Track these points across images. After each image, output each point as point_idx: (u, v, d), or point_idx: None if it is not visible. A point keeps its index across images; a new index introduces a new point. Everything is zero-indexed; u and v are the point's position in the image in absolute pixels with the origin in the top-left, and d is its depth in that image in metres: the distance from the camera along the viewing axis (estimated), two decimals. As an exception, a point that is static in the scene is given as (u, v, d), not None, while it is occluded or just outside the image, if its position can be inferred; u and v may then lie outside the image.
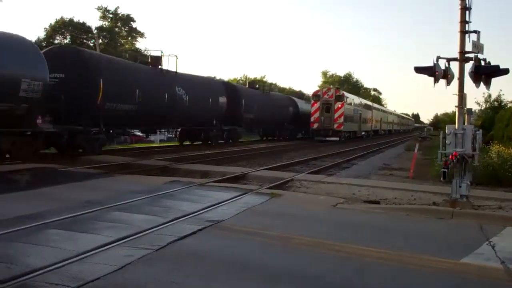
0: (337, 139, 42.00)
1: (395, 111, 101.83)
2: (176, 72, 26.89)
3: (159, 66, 26.10)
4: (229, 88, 34.83)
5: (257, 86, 42.59)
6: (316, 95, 43.70)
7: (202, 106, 28.72)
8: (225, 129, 33.30)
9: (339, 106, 42.50)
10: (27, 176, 13.32)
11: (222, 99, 31.71)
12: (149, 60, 26.41)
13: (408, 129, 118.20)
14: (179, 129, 31.35)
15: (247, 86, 42.06)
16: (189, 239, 7.03)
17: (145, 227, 7.43)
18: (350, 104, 47.09)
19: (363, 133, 53.62)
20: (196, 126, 30.33)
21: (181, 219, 8.26)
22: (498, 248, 7.26)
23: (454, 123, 10.91)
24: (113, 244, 6.43)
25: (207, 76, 33.32)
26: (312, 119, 42.86)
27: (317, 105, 42.73)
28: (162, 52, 27.08)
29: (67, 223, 7.58)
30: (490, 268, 6.37)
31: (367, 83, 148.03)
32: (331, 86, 52.38)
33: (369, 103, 64.40)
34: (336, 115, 42.36)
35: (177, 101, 26.07)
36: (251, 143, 37.98)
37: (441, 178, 11.08)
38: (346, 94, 47.27)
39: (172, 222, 7.98)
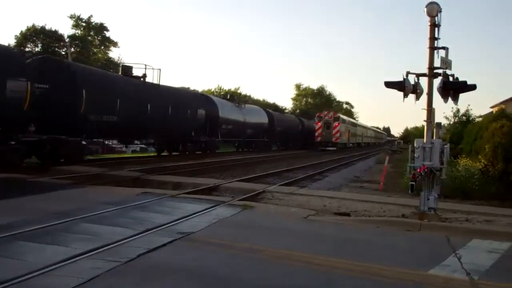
0: (335, 148, 54.63)
1: (372, 126, 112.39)
2: None
3: None
4: (48, 66, 19.39)
5: (141, 75, 26.34)
6: (319, 116, 57.24)
7: None
8: (24, 140, 17.38)
9: (336, 124, 56.40)
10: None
11: (14, 85, 16.28)
12: None
13: (382, 142, 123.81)
14: None
15: (119, 73, 25.60)
16: (159, 252, 6.97)
17: (114, 239, 7.33)
18: (344, 122, 60.31)
19: (350, 144, 66.44)
20: None
21: (151, 231, 8.18)
22: (464, 260, 7.42)
23: (423, 137, 11.14)
24: (81, 257, 6.32)
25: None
26: (316, 133, 56.35)
27: (320, 123, 56.35)
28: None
29: (34, 234, 7.41)
30: (456, 279, 6.50)
31: (339, 96, 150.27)
32: (331, 110, 66.02)
33: (355, 121, 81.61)
34: (334, 131, 55.85)
35: None
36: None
37: (409, 191, 11.28)
38: (341, 116, 61.83)
39: (143, 234, 7.89)
